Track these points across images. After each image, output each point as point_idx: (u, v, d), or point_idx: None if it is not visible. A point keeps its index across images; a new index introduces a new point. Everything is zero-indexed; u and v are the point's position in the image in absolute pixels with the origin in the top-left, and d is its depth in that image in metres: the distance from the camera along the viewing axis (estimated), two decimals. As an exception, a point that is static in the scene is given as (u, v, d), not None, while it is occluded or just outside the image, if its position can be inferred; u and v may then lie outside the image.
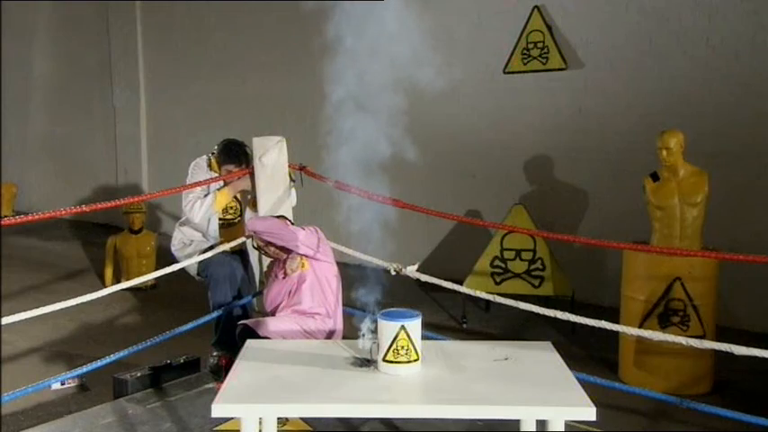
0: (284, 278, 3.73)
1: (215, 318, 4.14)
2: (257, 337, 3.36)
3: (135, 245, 6.78)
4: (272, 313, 3.73)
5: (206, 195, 4.23)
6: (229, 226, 4.41)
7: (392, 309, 2.63)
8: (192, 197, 4.20)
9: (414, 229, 6.76)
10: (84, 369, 3.59)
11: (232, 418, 3.11)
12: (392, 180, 3.01)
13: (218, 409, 2.38)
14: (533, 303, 3.48)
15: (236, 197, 4.40)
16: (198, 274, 4.27)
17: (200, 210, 4.18)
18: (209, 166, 4.31)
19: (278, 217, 3.93)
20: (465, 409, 2.41)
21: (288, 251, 3.71)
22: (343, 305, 3.79)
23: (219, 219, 4.34)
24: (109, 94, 10.20)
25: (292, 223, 3.92)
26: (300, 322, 3.57)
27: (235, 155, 4.31)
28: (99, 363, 3.57)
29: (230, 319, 4.06)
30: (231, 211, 4.43)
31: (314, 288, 3.68)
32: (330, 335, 3.64)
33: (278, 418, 3.11)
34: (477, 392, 2.47)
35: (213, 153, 4.34)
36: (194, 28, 9.17)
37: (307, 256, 3.69)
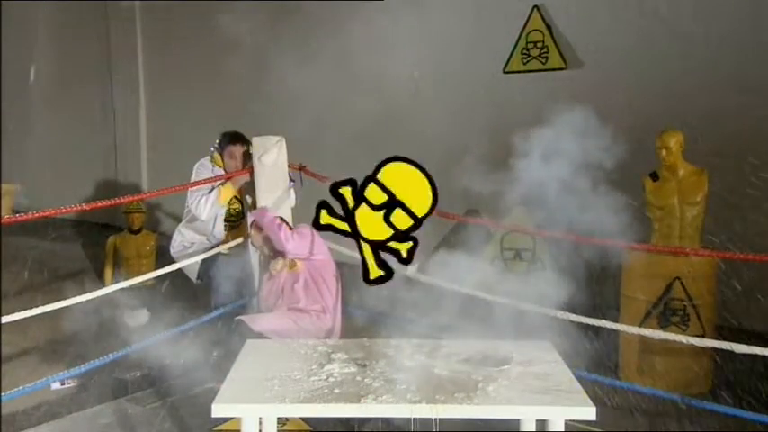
0: (270, 278, 3.76)
1: (215, 318, 4.15)
2: (253, 333, 3.38)
3: (135, 245, 6.77)
4: (270, 311, 3.75)
5: (210, 192, 4.26)
6: (232, 228, 4.43)
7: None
8: (198, 195, 4.24)
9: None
10: (84, 369, 3.60)
11: (232, 418, 3.11)
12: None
13: (218, 409, 2.38)
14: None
15: (238, 198, 4.41)
16: (198, 278, 4.28)
17: (206, 205, 4.20)
18: (213, 160, 4.34)
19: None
20: (465, 409, 2.42)
21: (277, 252, 3.73)
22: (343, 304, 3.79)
23: (224, 220, 4.36)
24: (109, 94, 10.19)
25: (290, 226, 3.92)
26: (295, 318, 3.58)
27: (236, 136, 4.39)
28: (99, 363, 3.57)
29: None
30: (233, 213, 4.45)
31: (308, 285, 3.69)
32: (327, 332, 3.65)
33: (278, 418, 3.11)
34: (478, 392, 2.47)
35: (215, 148, 4.37)
36: (194, 28, 9.15)
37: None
